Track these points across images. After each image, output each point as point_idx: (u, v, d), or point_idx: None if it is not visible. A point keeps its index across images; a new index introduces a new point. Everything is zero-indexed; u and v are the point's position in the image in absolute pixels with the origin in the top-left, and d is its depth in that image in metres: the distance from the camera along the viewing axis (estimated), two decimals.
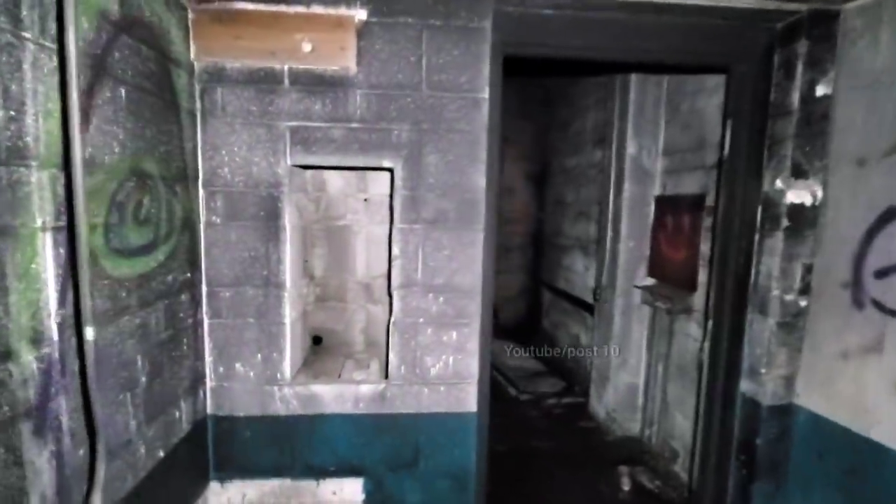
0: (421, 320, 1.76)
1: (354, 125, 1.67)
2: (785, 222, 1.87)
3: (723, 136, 2.12)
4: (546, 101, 5.80)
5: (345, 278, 2.05)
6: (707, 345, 2.22)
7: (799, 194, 1.86)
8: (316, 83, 1.65)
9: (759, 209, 1.96)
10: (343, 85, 1.65)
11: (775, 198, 1.90)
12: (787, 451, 1.97)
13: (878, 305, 1.62)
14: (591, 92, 4.51)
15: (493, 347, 5.51)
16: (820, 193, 1.87)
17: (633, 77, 3.30)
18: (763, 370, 1.94)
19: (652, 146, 3.38)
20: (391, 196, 1.74)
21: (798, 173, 1.86)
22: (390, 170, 1.71)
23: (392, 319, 1.75)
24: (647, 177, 3.41)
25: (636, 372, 3.51)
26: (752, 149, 1.98)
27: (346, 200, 2.00)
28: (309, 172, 1.96)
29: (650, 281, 3.39)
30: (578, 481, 3.01)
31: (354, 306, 2.06)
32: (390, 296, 1.75)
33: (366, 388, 1.77)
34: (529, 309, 6.09)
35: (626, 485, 2.93)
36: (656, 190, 3.41)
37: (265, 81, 1.64)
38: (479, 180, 1.73)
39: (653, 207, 3.41)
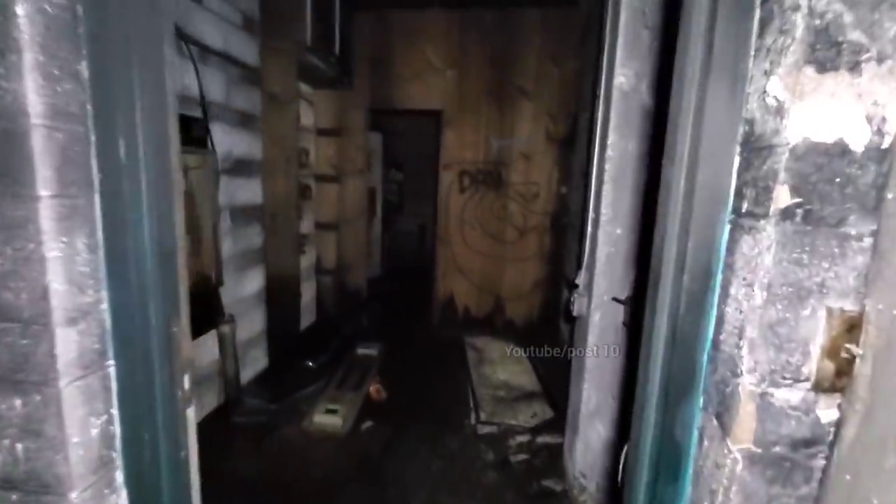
0: None
1: None
2: (784, 196, 0.68)
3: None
4: (584, 32, 4.42)
5: None
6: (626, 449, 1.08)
7: (825, 115, 0.65)
8: None
9: (736, 162, 0.77)
10: None
11: (763, 130, 0.70)
12: None
13: None
14: None
15: (489, 353, 4.50)
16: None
17: None
18: None
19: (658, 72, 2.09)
20: None
21: (833, 57, 0.64)
22: None
23: None
24: (648, 122, 2.13)
25: (615, 424, 2.32)
26: (728, 21, 0.77)
27: None
28: None
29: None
30: None
31: None
32: None
33: None
34: (546, 306, 4.92)
35: None
36: None
37: None
38: (21, 87, 0.80)
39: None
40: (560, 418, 3.31)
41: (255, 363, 3.75)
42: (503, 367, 4.18)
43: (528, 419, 3.28)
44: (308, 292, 4.90)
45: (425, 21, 4.54)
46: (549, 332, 4.79)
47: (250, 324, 3.64)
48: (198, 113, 2.86)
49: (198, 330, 2.96)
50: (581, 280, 2.41)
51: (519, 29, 4.52)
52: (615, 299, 2.16)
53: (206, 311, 3.02)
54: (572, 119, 4.58)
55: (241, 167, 3.40)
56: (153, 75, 0.98)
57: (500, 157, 4.73)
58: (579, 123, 4.39)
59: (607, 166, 2.17)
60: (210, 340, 3.09)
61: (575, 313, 2.44)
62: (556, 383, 3.90)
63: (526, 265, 4.89)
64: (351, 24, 4.54)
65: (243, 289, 3.53)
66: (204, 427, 3.14)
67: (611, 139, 2.15)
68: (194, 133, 2.79)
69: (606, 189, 2.19)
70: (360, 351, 4.40)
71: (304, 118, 4.56)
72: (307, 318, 4.91)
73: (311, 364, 4.01)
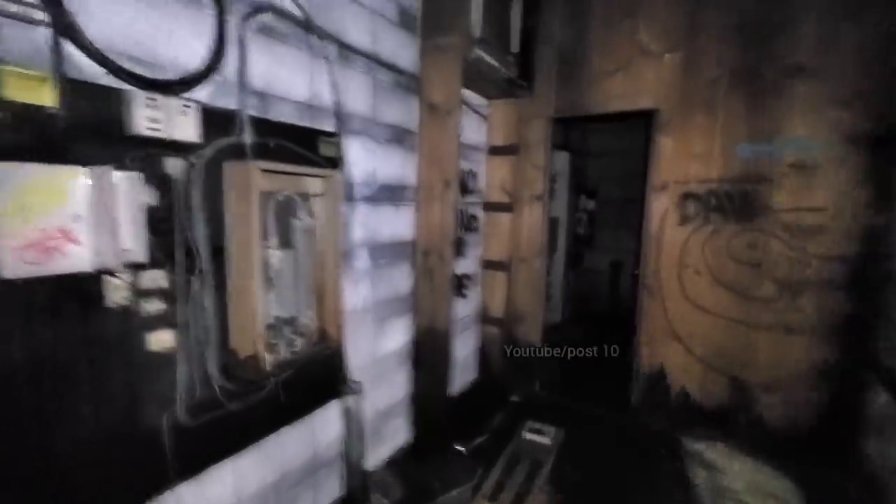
0: None
1: None
2: None
3: None
4: None
5: None
6: None
7: None
8: None
9: None
10: None
11: None
12: None
13: None
14: None
15: (729, 476, 2.62)
16: None
17: None
18: None
19: None
20: None
21: None
22: None
23: None
24: None
25: None
26: None
27: None
28: None
29: None
30: None
31: None
32: None
33: None
34: (833, 408, 3.01)
35: None
36: None
37: None
38: None
39: None
40: None
41: (393, 437, 2.98)
42: None
43: None
44: (468, 345, 4.03)
45: None
46: (840, 452, 2.87)
47: (390, 389, 2.90)
48: (330, 126, 2.26)
49: (316, 401, 2.30)
50: None
51: None
52: None
53: (328, 377, 2.35)
54: (888, 109, 2.71)
55: (387, 193, 2.73)
56: None
57: (749, 171, 3.12)
58: None
59: None
60: (332, 414, 2.41)
61: None
62: None
63: (794, 338, 3.08)
64: (535, 13, 3.63)
65: (384, 345, 2.81)
66: None
67: None
68: (322, 150, 2.18)
69: None
70: (529, 435, 3.27)
71: (474, 134, 3.78)
72: (466, 376, 4.03)
73: (461, 449, 3.06)
